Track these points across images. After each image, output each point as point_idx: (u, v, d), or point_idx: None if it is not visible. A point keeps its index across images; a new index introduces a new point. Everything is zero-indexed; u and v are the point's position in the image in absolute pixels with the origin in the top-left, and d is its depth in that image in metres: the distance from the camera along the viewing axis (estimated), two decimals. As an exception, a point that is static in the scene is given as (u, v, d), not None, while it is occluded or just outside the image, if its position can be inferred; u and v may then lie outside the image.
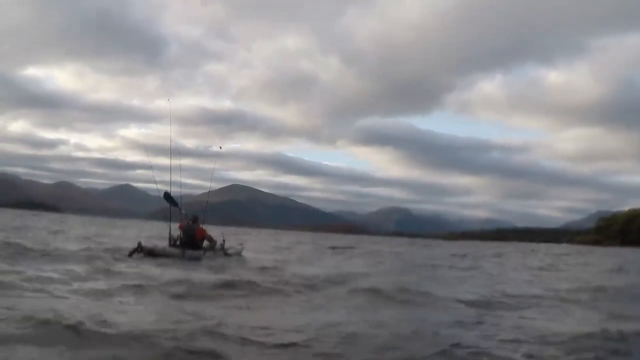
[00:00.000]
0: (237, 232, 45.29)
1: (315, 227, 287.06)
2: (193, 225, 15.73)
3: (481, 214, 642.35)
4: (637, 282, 15.02)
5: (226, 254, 15.93)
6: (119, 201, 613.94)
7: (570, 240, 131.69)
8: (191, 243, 15.28)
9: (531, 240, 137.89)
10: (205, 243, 15.63)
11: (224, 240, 16.44)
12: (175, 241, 15.39)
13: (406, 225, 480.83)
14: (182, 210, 16.34)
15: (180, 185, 17.69)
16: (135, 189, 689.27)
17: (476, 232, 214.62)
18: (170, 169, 17.12)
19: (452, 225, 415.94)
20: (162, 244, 15.43)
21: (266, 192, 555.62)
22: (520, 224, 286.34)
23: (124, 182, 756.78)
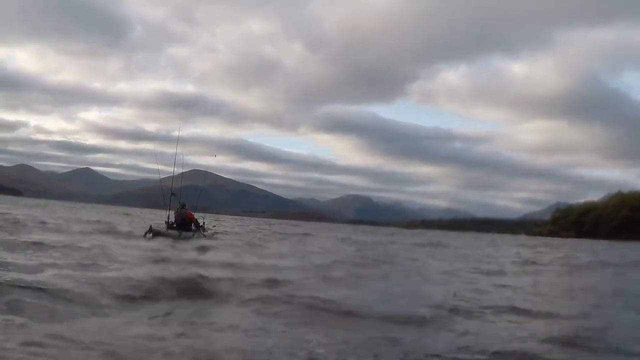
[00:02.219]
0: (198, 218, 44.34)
1: (275, 213, 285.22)
2: (183, 211, 20.19)
3: (441, 203, 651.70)
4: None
5: (204, 235, 20.16)
6: (78, 185, 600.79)
7: (529, 232, 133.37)
8: (183, 225, 19.71)
9: (489, 230, 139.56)
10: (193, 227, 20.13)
11: (204, 223, 21.00)
12: (171, 224, 19.68)
13: (366, 213, 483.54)
14: (179, 200, 20.63)
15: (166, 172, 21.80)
16: (95, 173, 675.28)
17: (435, 221, 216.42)
18: (173, 178, 23.59)
19: (412, 214, 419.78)
20: (161, 225, 19.43)
21: (227, 178, 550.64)
22: (480, 214, 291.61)
23: (84, 166, 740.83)
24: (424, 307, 7.17)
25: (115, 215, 42.25)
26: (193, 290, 7.48)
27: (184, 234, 18.94)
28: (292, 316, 6.27)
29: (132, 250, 12.62)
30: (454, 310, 7.20)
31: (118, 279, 7.37)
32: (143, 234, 18.30)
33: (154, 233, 18.22)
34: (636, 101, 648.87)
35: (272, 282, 8.65)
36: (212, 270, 9.40)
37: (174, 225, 19.53)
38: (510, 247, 35.69)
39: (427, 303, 7.58)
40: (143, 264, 9.99)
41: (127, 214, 49.38)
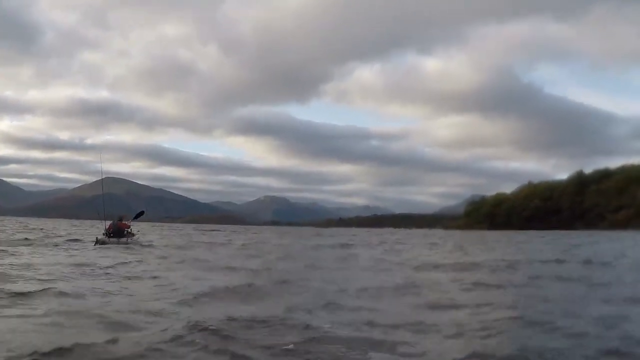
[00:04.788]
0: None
1: (191, 218, 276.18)
2: (118, 222, 24.61)
3: (359, 201, 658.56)
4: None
5: (133, 240, 24.30)
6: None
7: (445, 226, 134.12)
8: (119, 233, 24.07)
9: (407, 226, 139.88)
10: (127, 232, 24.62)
11: (131, 230, 24.92)
12: (108, 233, 23.88)
13: (284, 215, 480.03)
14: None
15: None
16: (7, 184, 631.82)
17: (353, 219, 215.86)
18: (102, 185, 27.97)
19: (330, 213, 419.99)
20: (100, 235, 23.74)
21: (141, 184, 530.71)
22: (398, 210, 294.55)
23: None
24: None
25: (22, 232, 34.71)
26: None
27: (121, 240, 23.76)
28: None
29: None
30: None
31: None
32: (93, 244, 22.76)
33: (100, 242, 23.04)
34: (549, 94, 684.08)
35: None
36: None
37: (111, 234, 23.97)
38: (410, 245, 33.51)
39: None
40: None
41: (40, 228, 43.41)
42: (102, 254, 17.73)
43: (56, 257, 15.72)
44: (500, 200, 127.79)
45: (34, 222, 75.28)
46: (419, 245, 32.77)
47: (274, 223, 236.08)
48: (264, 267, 14.12)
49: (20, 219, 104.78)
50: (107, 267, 12.90)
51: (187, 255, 18.26)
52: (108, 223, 24.61)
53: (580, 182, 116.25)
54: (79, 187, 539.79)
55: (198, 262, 15.61)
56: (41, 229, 43.27)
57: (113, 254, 17.37)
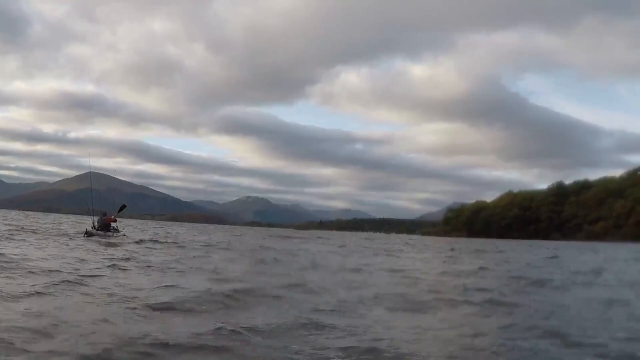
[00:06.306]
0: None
1: (172, 216, 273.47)
2: (104, 217, 27.84)
3: (340, 204, 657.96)
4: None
5: (118, 236, 26.91)
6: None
7: (424, 232, 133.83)
8: (105, 227, 27.18)
9: (387, 231, 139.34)
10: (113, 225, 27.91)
11: (117, 226, 27.97)
12: (96, 227, 27.01)
13: (265, 215, 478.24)
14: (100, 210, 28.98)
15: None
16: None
17: (334, 222, 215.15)
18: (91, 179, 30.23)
19: (311, 216, 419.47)
20: (89, 228, 26.80)
21: (123, 181, 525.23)
22: (379, 215, 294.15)
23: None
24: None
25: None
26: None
27: (107, 233, 26.50)
28: None
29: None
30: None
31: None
32: (83, 234, 26.34)
33: (88, 234, 25.95)
34: (535, 104, 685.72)
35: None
36: None
37: (98, 229, 26.85)
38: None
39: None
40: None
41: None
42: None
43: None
44: (479, 208, 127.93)
45: (16, 216, 73.53)
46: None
47: (255, 224, 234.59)
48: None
49: (2, 211, 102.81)
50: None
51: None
52: (96, 218, 27.72)
53: (559, 193, 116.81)
54: (60, 180, 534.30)
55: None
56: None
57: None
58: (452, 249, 38.29)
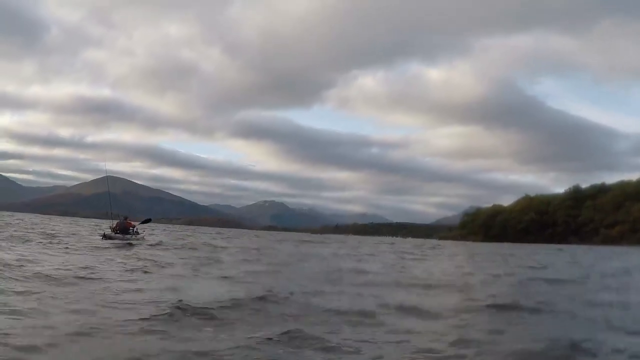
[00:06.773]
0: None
1: (189, 220, 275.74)
2: (124, 221, 28.08)
3: (356, 208, 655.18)
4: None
5: (138, 238, 27.17)
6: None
7: (441, 236, 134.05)
8: (124, 230, 27.37)
9: (404, 235, 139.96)
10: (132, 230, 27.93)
11: (136, 229, 27.96)
12: (115, 230, 27.32)
13: (282, 220, 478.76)
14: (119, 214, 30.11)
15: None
16: (6, 179, 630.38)
17: (349, 226, 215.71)
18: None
19: (327, 220, 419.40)
20: (107, 231, 27.47)
21: (140, 184, 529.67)
22: (395, 219, 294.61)
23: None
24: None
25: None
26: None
27: (126, 237, 26.72)
28: None
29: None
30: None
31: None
32: (100, 237, 26.93)
33: (107, 237, 26.55)
34: (551, 107, 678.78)
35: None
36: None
37: (117, 231, 27.22)
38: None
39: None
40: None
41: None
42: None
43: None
44: (495, 212, 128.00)
45: (40, 220, 74.54)
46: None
47: (271, 228, 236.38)
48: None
49: (18, 215, 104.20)
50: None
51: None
52: (115, 222, 28.00)
53: (576, 196, 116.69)
54: (77, 184, 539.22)
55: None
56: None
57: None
58: (498, 254, 37.05)
